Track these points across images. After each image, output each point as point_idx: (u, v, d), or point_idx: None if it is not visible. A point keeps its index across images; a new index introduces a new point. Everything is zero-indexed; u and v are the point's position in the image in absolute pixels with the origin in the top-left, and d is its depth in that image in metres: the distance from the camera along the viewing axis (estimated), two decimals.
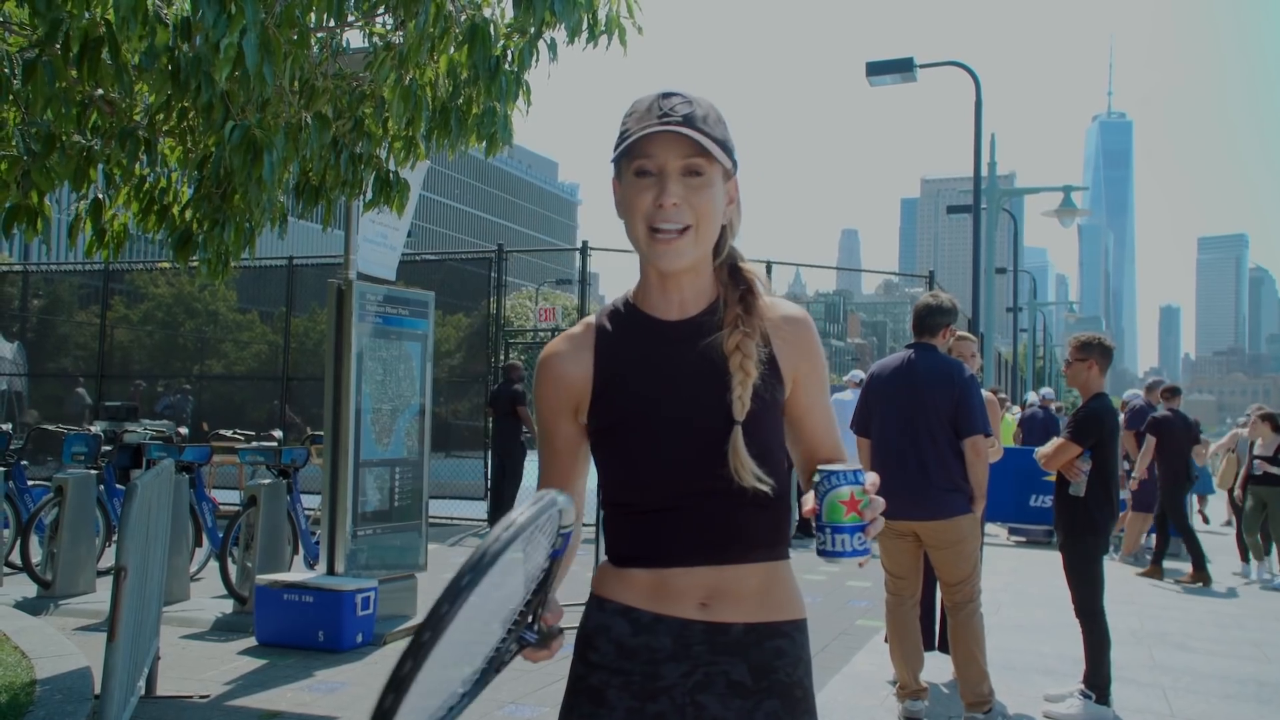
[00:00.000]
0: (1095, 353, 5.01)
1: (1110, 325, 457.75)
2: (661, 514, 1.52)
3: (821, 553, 1.40)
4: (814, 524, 1.41)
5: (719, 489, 1.49)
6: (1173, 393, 10.43)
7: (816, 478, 1.41)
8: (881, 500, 1.39)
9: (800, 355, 1.60)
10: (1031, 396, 13.99)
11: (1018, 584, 8.66)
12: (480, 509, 11.56)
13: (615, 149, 1.53)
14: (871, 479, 1.40)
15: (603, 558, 1.65)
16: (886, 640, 5.03)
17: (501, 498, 11.10)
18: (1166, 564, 9.58)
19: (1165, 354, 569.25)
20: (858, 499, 1.38)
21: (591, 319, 1.65)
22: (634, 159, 1.51)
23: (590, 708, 1.54)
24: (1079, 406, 5.07)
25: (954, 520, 4.50)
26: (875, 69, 13.74)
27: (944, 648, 5.37)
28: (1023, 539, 11.56)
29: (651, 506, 1.53)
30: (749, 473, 1.48)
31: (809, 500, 1.43)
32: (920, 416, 4.56)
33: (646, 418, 1.54)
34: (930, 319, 4.80)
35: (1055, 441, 5.08)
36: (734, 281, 1.60)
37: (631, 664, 1.53)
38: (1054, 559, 5.08)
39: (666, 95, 1.52)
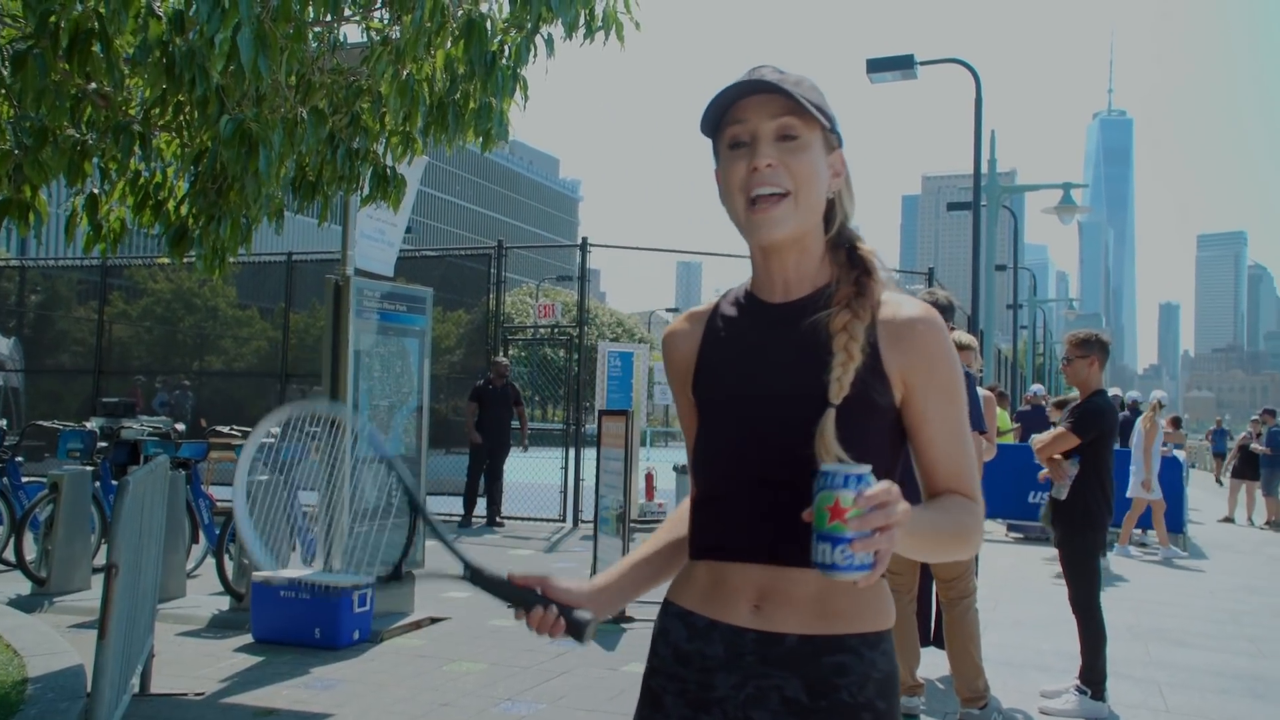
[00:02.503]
0: (1096, 349, 5.02)
1: (1110, 322, 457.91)
2: (730, 500, 1.46)
3: (812, 562, 1.27)
4: None
5: (793, 479, 1.37)
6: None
7: (816, 475, 1.27)
8: (884, 516, 1.22)
9: (915, 358, 1.44)
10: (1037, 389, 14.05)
11: (1015, 580, 8.66)
12: (480, 505, 11.54)
13: (701, 122, 1.47)
14: (876, 488, 1.22)
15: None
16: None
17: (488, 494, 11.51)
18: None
19: (1165, 351, 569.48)
20: (844, 507, 1.22)
21: (715, 300, 1.63)
22: (726, 128, 1.44)
23: (648, 711, 1.51)
24: (1078, 401, 5.07)
25: None
26: (876, 66, 13.72)
27: (939, 643, 5.37)
28: (1021, 535, 11.56)
29: (722, 492, 1.47)
30: (832, 456, 1.36)
31: None
32: None
33: (733, 397, 1.49)
34: None
35: (1054, 430, 5.07)
36: (850, 263, 1.50)
37: (686, 670, 1.47)
38: (1052, 555, 5.08)
39: (753, 69, 1.46)
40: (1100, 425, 4.90)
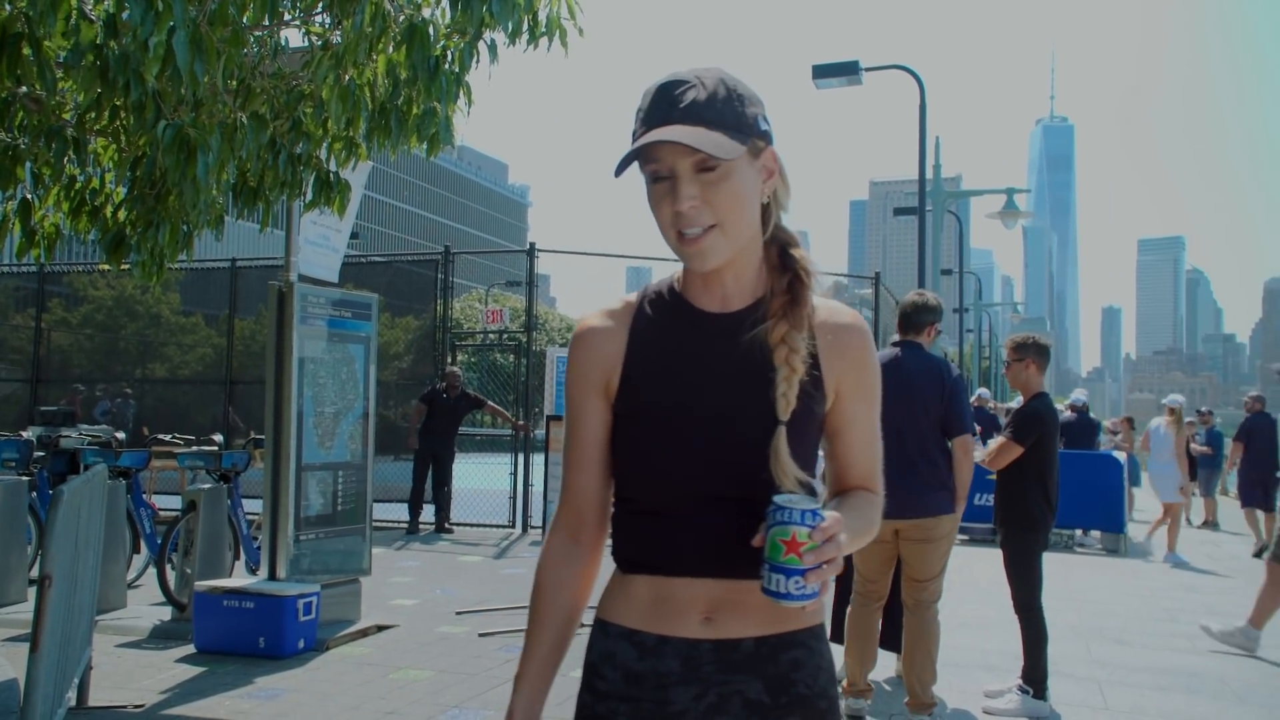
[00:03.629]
0: (1032, 352, 5.11)
1: (1054, 326, 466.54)
2: (675, 517, 1.42)
3: (763, 590, 1.29)
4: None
5: (743, 495, 1.37)
6: None
7: (770, 507, 1.29)
8: (835, 546, 1.26)
9: (847, 365, 1.46)
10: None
11: (962, 581, 8.79)
12: (428, 512, 11.45)
13: (616, 169, 1.39)
14: (828, 521, 1.26)
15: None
16: (832, 638, 5.07)
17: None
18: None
19: (1107, 354, 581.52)
20: (800, 541, 1.25)
21: (632, 297, 1.53)
22: (645, 164, 1.38)
23: None
24: (1020, 405, 5.15)
25: (938, 519, 4.55)
26: (821, 72, 13.84)
27: (885, 645, 5.43)
28: (967, 537, 11.72)
29: (665, 507, 1.43)
30: (791, 478, 1.36)
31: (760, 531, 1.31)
32: (909, 414, 4.57)
33: (675, 410, 1.43)
34: (918, 317, 4.85)
35: (997, 441, 5.16)
36: (783, 267, 1.47)
37: (640, 690, 1.42)
38: (998, 556, 5.17)
39: (666, 86, 1.37)
40: (1039, 428, 4.98)
